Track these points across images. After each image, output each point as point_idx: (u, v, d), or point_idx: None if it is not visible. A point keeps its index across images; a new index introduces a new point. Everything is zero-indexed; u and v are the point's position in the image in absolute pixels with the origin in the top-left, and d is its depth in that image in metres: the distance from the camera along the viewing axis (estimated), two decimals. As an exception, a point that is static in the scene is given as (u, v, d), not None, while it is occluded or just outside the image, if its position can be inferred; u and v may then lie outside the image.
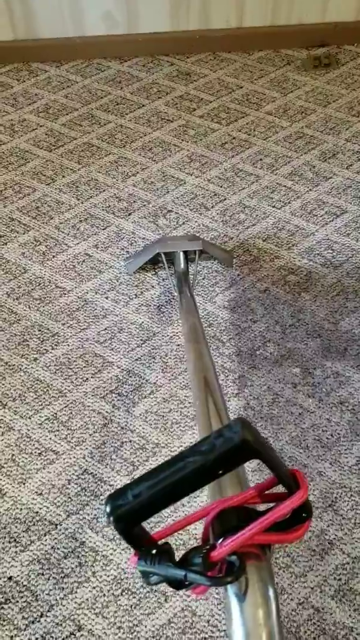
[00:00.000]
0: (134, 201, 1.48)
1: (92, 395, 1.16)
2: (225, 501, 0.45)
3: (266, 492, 0.45)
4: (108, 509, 0.44)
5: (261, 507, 0.43)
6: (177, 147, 1.62)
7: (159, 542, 0.45)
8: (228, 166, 1.57)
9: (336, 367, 1.20)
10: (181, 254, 1.25)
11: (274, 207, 1.47)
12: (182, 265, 1.24)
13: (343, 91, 1.78)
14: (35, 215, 1.46)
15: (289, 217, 1.45)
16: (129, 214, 1.46)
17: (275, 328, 1.25)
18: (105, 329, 1.25)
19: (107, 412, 1.14)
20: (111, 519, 0.43)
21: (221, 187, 1.52)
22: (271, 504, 0.43)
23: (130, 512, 0.43)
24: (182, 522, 0.47)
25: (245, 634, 0.42)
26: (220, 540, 0.44)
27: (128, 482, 0.44)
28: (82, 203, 1.48)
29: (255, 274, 1.35)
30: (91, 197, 1.50)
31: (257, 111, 1.72)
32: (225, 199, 1.49)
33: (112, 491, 0.44)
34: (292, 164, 1.57)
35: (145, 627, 0.92)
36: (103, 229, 1.43)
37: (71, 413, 1.13)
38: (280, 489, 0.42)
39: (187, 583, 0.44)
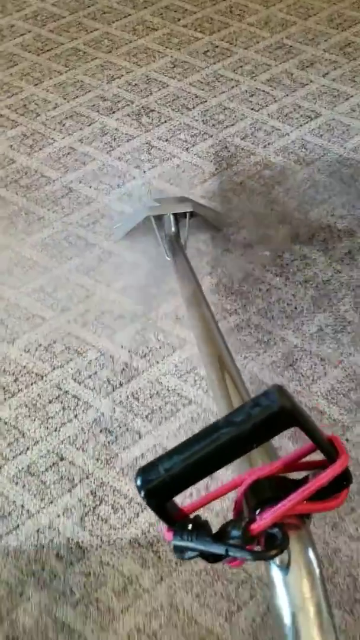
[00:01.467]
0: (119, 101, 1.54)
1: (76, 272, 1.24)
2: (258, 471, 0.44)
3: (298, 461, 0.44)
4: (139, 483, 0.42)
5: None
6: (161, 54, 1.67)
7: (190, 516, 0.44)
8: (210, 72, 1.63)
9: (304, 251, 1.28)
10: (171, 216, 1.23)
11: (252, 109, 1.54)
12: (172, 229, 1.22)
13: (324, 5, 1.82)
14: (23, 112, 1.52)
15: (266, 119, 1.52)
16: (113, 112, 1.52)
17: (249, 216, 1.34)
18: (88, 214, 1.33)
19: (89, 286, 1.22)
20: (142, 493, 0.42)
21: (202, 90, 1.58)
22: (304, 473, 0.43)
23: (162, 487, 0.42)
24: (213, 494, 0.45)
25: (292, 606, 0.41)
26: (258, 511, 0.42)
27: (159, 455, 0.43)
28: (68, 102, 1.54)
29: (232, 169, 1.42)
30: (77, 97, 1.55)
31: (239, 22, 1.76)
32: (206, 101, 1.55)
33: (144, 465, 0.42)
34: (271, 72, 1.63)
35: (121, 459, 1.02)
36: (88, 125, 1.49)
37: (56, 286, 1.22)
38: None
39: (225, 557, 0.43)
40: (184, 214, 1.24)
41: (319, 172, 1.43)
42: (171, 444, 1.06)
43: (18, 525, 0.96)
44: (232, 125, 1.51)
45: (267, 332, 1.17)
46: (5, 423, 1.06)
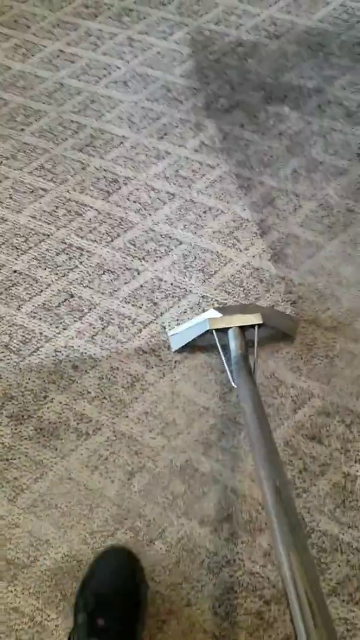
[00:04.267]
0: (100, 6, 1.66)
1: (72, 149, 1.37)
2: None
3: None
4: None
5: None
6: None
7: None
8: (183, -29, 1.73)
9: (276, 110, 1.39)
10: (237, 330, 1.04)
11: (223, -2, 1.64)
12: (239, 350, 1.01)
13: None
14: (15, 27, 1.64)
15: (237, 4, 1.61)
16: (96, 17, 1.63)
17: (225, 87, 1.45)
18: (79, 102, 1.46)
19: (83, 160, 1.35)
20: None
21: (176, -13, 1.69)
22: None
23: None
24: None
25: None
26: None
27: None
28: (54, 13, 1.66)
29: (208, 49, 1.53)
30: (62, 7, 1.67)
31: None
32: (180, -4, 1.66)
33: None
34: None
35: (123, 291, 1.16)
36: (74, 31, 1.61)
37: (54, 163, 1.35)
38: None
39: None
40: (251, 325, 1.04)
41: (289, 43, 1.52)
42: (167, 277, 1.19)
43: (38, 348, 1.11)
44: (206, 13, 1.61)
45: (246, 179, 1.29)
46: (20, 274, 1.20)
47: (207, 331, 1.05)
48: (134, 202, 1.28)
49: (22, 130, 1.43)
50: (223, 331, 1.05)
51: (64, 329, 1.13)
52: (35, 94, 1.49)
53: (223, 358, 1.03)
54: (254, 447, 0.83)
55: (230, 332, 1.05)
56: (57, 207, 1.29)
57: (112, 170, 1.34)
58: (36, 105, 1.47)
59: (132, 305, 1.14)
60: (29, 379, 1.08)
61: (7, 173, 1.35)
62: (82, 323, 1.13)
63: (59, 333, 1.13)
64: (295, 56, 1.49)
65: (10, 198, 1.32)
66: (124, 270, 1.20)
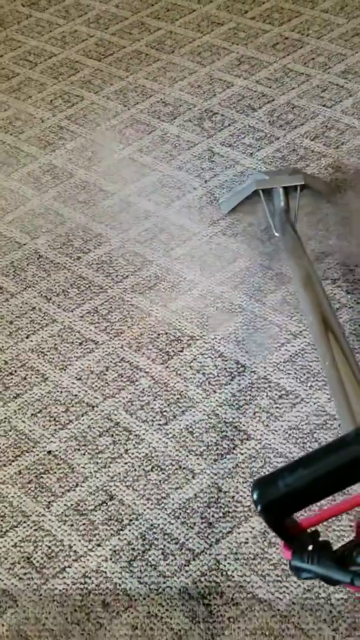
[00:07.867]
0: (180, 105, 1.47)
1: (132, 292, 1.19)
2: None
3: None
4: (255, 496, 0.40)
5: None
6: (226, 50, 1.57)
7: (309, 531, 0.41)
8: (278, 67, 1.51)
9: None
10: (280, 190, 1.19)
11: (324, 106, 1.41)
12: (282, 203, 1.18)
13: None
14: (83, 122, 1.48)
15: (339, 116, 1.39)
16: (174, 118, 1.44)
17: (318, 226, 1.23)
18: (146, 229, 1.27)
19: (145, 306, 1.17)
20: (259, 508, 0.40)
21: (270, 87, 1.47)
22: None
23: (282, 503, 0.39)
24: (333, 510, 0.42)
25: None
26: None
27: (279, 467, 0.41)
28: (128, 109, 1.49)
29: (300, 174, 1.31)
30: (137, 103, 1.49)
31: (312, 10, 1.62)
32: (273, 100, 1.44)
33: (260, 476, 0.41)
34: (346, 62, 1.49)
35: (173, 499, 0.96)
36: (148, 134, 1.43)
37: (111, 307, 1.18)
38: None
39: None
40: (294, 187, 1.19)
41: None
42: (227, 486, 0.99)
43: (64, 568, 0.92)
44: (302, 125, 1.39)
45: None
46: (55, 457, 1.00)
47: (254, 192, 1.20)
48: (197, 371, 1.09)
49: (78, 258, 1.26)
50: (268, 193, 1.20)
51: (98, 544, 0.95)
52: (97, 212, 1.32)
53: (268, 214, 1.17)
54: (302, 283, 0.99)
55: (274, 191, 1.20)
56: (107, 367, 1.09)
57: (176, 326, 1.14)
58: (98, 227, 1.30)
59: (182, 522, 0.95)
60: (49, 612, 0.89)
61: (55, 314, 1.17)
62: (119, 539, 0.95)
63: (91, 549, 0.95)
64: None
65: (55, 349, 1.13)
66: (177, 469, 1.00)
